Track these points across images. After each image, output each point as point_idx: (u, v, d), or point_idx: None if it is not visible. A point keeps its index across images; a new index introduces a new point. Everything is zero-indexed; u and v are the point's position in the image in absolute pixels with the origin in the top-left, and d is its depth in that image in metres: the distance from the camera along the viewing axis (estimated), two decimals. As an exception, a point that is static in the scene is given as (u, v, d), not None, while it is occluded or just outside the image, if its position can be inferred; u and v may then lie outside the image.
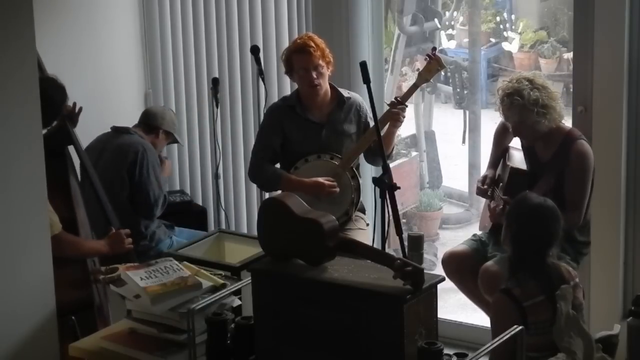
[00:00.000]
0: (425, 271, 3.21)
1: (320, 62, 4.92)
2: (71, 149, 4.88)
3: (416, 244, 4.22)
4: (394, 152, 5.24)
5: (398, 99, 4.94)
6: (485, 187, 5.10)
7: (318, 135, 5.01)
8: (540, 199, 4.21)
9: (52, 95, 4.69)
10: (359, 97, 5.13)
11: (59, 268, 4.17)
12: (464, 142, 7.93)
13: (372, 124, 4.91)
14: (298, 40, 4.99)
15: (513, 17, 9.41)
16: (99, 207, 4.97)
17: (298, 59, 4.93)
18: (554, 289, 3.99)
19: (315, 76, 4.91)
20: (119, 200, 5.29)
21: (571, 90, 5.42)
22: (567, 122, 5.05)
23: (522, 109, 4.82)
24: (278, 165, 5.12)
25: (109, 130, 5.52)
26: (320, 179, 4.91)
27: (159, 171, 5.44)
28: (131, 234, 4.99)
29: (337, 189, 4.92)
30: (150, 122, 5.58)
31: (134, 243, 4.96)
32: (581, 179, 4.84)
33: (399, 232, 4.31)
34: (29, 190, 3.89)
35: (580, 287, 4.21)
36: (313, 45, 4.91)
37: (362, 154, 5.05)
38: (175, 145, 6.31)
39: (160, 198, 5.41)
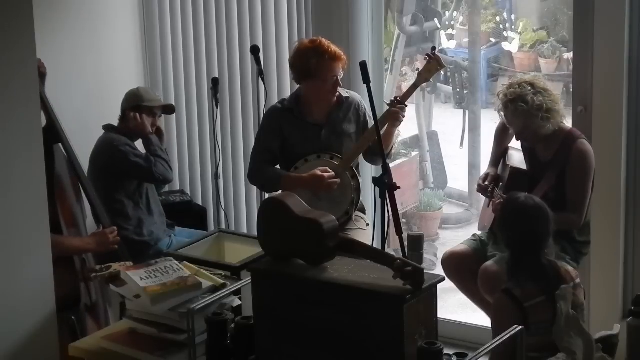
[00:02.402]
0: (425, 271, 3.21)
1: None
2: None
3: (416, 244, 4.22)
4: (393, 151, 5.23)
5: (398, 98, 4.94)
6: (486, 184, 5.10)
7: (317, 136, 5.01)
8: (525, 199, 4.20)
9: None
10: (358, 95, 5.13)
11: None
12: (461, 145, 7.93)
13: (371, 123, 4.92)
14: (330, 48, 4.90)
15: (513, 17, 9.41)
16: (90, 205, 4.99)
17: (334, 66, 4.89)
18: (554, 289, 3.99)
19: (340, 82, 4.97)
20: (116, 195, 5.32)
21: (571, 90, 5.42)
22: (567, 122, 5.05)
23: (527, 115, 4.81)
24: (278, 167, 5.12)
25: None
26: (318, 172, 4.90)
27: (135, 149, 5.43)
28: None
29: (338, 180, 4.91)
30: (121, 110, 5.59)
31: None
32: (582, 179, 4.83)
33: (399, 232, 4.31)
34: (29, 190, 3.89)
35: (581, 287, 4.21)
36: (341, 51, 4.94)
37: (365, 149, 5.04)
38: (175, 145, 6.31)
39: (155, 164, 5.38)
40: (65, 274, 4.54)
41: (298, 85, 5.07)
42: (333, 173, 4.91)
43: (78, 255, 4.71)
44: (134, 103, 5.52)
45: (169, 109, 5.75)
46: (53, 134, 4.76)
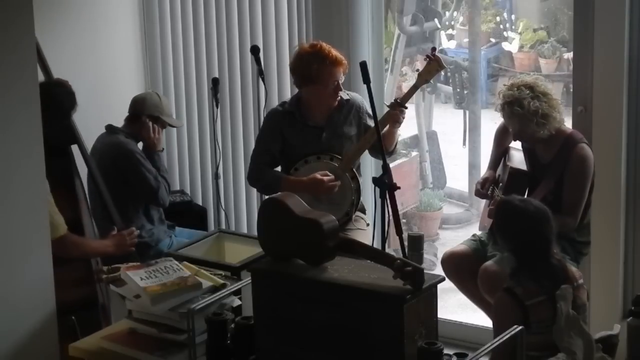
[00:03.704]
0: (425, 271, 3.21)
1: None
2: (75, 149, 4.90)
3: (416, 244, 4.22)
4: (396, 148, 5.22)
5: (398, 100, 4.94)
6: (484, 190, 5.10)
7: (318, 138, 5.01)
8: (525, 204, 4.17)
9: (62, 101, 4.70)
10: (359, 97, 5.13)
11: (62, 267, 4.18)
12: (464, 144, 7.94)
13: (371, 123, 4.92)
14: (331, 52, 4.89)
15: (513, 17, 9.42)
16: (103, 206, 4.97)
17: (334, 71, 4.88)
18: (557, 289, 3.98)
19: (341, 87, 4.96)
20: (116, 199, 5.31)
21: (571, 90, 5.42)
22: (567, 122, 5.05)
23: (521, 119, 4.82)
24: (278, 169, 5.11)
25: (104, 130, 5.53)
26: (318, 175, 4.90)
27: (147, 163, 5.39)
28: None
29: (338, 182, 4.91)
30: (132, 110, 5.51)
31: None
32: (580, 183, 4.84)
33: (399, 232, 4.31)
34: (30, 191, 3.89)
35: (584, 287, 4.21)
36: (342, 56, 4.93)
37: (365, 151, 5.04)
38: (175, 145, 6.31)
39: (160, 187, 5.39)
40: (84, 275, 4.56)
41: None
42: (333, 176, 4.91)
43: (98, 257, 4.71)
44: (155, 113, 5.48)
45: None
46: (70, 135, 4.76)
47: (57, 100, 4.66)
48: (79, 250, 4.52)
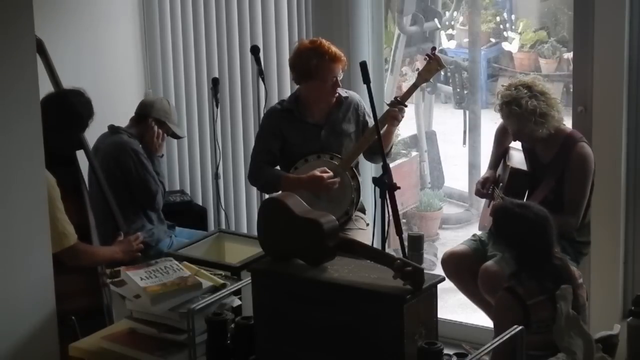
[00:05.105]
0: (425, 271, 3.21)
1: None
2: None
3: (416, 244, 4.22)
4: (392, 150, 5.24)
5: (398, 98, 4.95)
6: (485, 190, 5.10)
7: (317, 136, 5.01)
8: (523, 211, 4.15)
9: (78, 108, 4.70)
10: (357, 95, 5.14)
11: (70, 274, 4.19)
12: (464, 143, 7.94)
13: (370, 122, 4.93)
14: (330, 48, 4.90)
15: (513, 17, 9.42)
16: (108, 211, 4.95)
17: (333, 67, 4.90)
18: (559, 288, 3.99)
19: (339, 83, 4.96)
20: (117, 200, 5.29)
21: (571, 90, 5.42)
22: (567, 122, 5.05)
23: (520, 118, 4.82)
24: (278, 168, 5.12)
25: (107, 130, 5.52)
26: (317, 172, 4.90)
27: (150, 165, 5.40)
28: (138, 232, 5.00)
29: (338, 179, 4.91)
30: (140, 111, 5.54)
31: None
32: (581, 182, 4.84)
33: (399, 232, 4.31)
34: (30, 191, 3.89)
35: (584, 287, 4.21)
36: (340, 52, 4.94)
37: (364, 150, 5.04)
38: (176, 144, 6.31)
39: (159, 191, 5.40)
40: (90, 283, 4.55)
41: (298, 86, 5.07)
42: (332, 173, 4.91)
43: (106, 264, 4.69)
44: (162, 117, 5.50)
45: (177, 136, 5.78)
46: (78, 140, 4.76)
47: (73, 110, 4.66)
48: (90, 259, 4.50)
